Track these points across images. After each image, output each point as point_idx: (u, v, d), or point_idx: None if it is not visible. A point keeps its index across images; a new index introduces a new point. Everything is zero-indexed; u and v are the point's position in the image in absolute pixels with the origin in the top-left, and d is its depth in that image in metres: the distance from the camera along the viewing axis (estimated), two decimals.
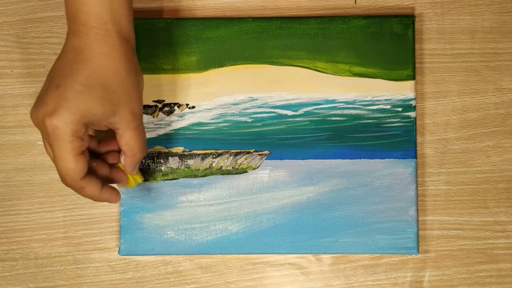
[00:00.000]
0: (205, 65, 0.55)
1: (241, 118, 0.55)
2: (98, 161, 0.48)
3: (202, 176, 0.55)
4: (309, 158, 0.55)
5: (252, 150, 0.55)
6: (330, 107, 0.55)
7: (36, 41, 0.57)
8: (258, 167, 0.55)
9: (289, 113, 0.55)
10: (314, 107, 0.55)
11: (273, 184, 0.55)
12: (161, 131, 0.55)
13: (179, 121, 0.55)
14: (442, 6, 0.57)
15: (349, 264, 0.56)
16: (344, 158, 0.55)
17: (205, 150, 0.55)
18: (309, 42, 0.55)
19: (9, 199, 0.57)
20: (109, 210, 0.57)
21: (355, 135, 0.55)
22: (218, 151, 0.55)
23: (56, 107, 0.43)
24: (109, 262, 0.56)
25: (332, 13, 0.57)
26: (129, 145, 0.47)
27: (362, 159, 0.55)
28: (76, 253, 0.56)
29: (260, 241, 0.54)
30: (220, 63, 0.55)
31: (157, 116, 0.55)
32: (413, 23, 0.55)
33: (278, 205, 0.55)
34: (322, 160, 0.55)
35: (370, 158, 0.55)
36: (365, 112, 0.55)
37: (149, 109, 0.55)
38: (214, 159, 0.55)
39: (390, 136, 0.55)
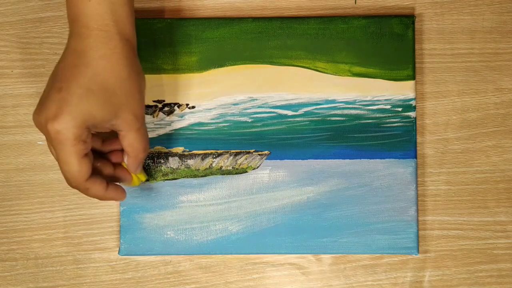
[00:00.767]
0: (205, 65, 0.55)
1: (241, 118, 0.55)
2: (102, 161, 0.49)
3: (202, 176, 0.55)
4: (309, 158, 0.55)
5: (252, 150, 0.55)
6: (330, 107, 0.55)
7: (36, 41, 0.57)
8: (258, 167, 0.55)
9: (289, 113, 0.55)
10: (314, 107, 0.55)
11: (273, 184, 0.55)
12: (161, 131, 0.55)
13: (179, 121, 0.55)
14: (442, 6, 0.57)
15: (349, 264, 0.56)
16: (344, 158, 0.55)
17: (205, 150, 0.55)
18: (309, 42, 0.55)
19: (9, 199, 0.57)
20: (109, 210, 0.57)
21: (355, 135, 0.55)
22: (218, 151, 0.55)
23: (58, 111, 0.43)
24: (109, 262, 0.56)
25: (332, 13, 0.57)
26: (131, 146, 0.47)
27: (362, 159, 0.55)
28: (76, 253, 0.56)
29: (260, 241, 0.54)
30: (220, 63, 0.55)
31: (157, 116, 0.55)
32: (413, 23, 0.55)
33: (278, 205, 0.55)
34: (322, 160, 0.55)
35: (370, 158, 0.55)
36: (365, 112, 0.55)
37: (149, 109, 0.55)
38: (214, 159, 0.55)
39: (390, 136, 0.55)
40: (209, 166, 0.55)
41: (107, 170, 0.49)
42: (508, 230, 0.56)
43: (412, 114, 0.55)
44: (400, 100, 0.55)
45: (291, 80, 0.55)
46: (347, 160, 0.55)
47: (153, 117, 0.55)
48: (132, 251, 0.55)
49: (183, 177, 0.55)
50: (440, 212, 0.56)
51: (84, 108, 0.43)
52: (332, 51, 0.55)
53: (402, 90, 0.55)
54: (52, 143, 0.44)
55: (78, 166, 0.44)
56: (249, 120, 0.55)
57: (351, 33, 0.55)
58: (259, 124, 0.55)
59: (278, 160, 0.55)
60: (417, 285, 0.56)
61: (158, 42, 0.55)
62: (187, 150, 0.55)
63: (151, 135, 0.55)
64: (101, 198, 0.47)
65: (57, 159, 0.44)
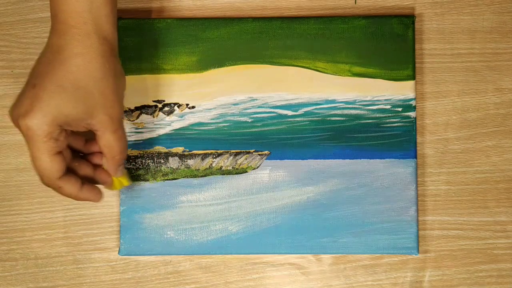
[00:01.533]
0: (205, 65, 0.55)
1: (241, 118, 0.55)
2: (81, 161, 0.48)
3: (202, 176, 0.55)
4: (309, 158, 0.55)
5: (252, 150, 0.55)
6: (330, 107, 0.55)
7: (36, 41, 0.57)
8: (258, 167, 0.55)
9: (289, 113, 0.55)
10: (314, 107, 0.55)
11: (273, 184, 0.55)
12: (161, 131, 0.55)
13: (179, 121, 0.55)
14: (442, 6, 0.57)
15: (349, 264, 0.56)
16: (344, 158, 0.55)
17: (205, 150, 0.55)
18: (309, 42, 0.55)
19: (9, 199, 0.57)
20: (109, 210, 0.57)
21: (355, 135, 0.55)
22: (218, 151, 0.55)
23: (29, 107, 0.43)
24: (109, 262, 0.56)
25: (332, 13, 0.57)
26: (107, 147, 0.47)
27: (362, 159, 0.55)
28: (76, 253, 0.56)
29: (260, 241, 0.54)
30: (220, 63, 0.55)
31: (157, 116, 0.55)
32: (413, 23, 0.55)
33: (278, 205, 0.55)
34: (322, 160, 0.55)
35: (370, 158, 0.55)
36: (365, 112, 0.55)
37: (149, 109, 0.55)
38: (214, 159, 0.55)
39: (390, 136, 0.55)
40: (209, 166, 0.55)
41: (85, 170, 0.48)
42: (508, 230, 0.56)
43: (412, 114, 0.55)
44: (400, 100, 0.55)
45: (291, 80, 0.55)
46: (347, 160, 0.55)
47: (153, 117, 0.55)
48: (132, 251, 0.55)
49: (183, 177, 0.55)
50: (440, 212, 0.56)
51: (55, 105, 0.43)
52: (332, 51, 0.55)
53: (402, 90, 0.55)
54: (25, 139, 0.44)
55: (49, 164, 0.44)
56: (249, 120, 0.55)
57: (351, 33, 0.55)
58: (259, 124, 0.55)
59: (278, 160, 0.55)
60: (417, 285, 0.56)
61: (158, 42, 0.55)
62: (187, 150, 0.55)
63: (151, 135, 0.55)
64: (74, 198, 0.47)
65: (30, 155, 0.44)
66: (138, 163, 0.55)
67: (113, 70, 0.46)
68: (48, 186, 0.46)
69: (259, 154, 0.55)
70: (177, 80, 0.55)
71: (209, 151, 0.55)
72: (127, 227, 0.55)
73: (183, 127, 0.55)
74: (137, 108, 0.55)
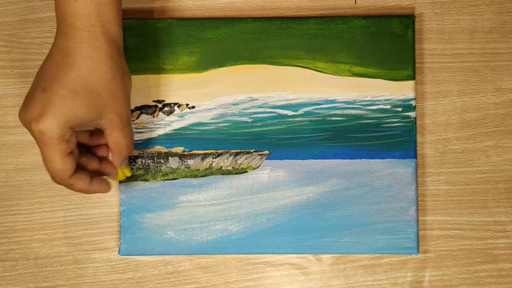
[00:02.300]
0: (205, 65, 0.55)
1: (241, 118, 0.55)
2: (87, 156, 0.49)
3: (202, 176, 0.55)
4: (309, 158, 0.55)
5: (252, 150, 0.55)
6: (330, 107, 0.55)
7: (36, 41, 0.57)
8: (258, 167, 0.55)
9: (289, 113, 0.55)
10: (314, 107, 0.55)
11: (273, 184, 0.55)
12: (161, 131, 0.55)
13: (179, 121, 0.55)
14: (442, 6, 0.57)
15: (349, 264, 0.56)
16: (344, 158, 0.55)
17: (205, 150, 0.55)
18: (309, 42, 0.55)
19: (9, 199, 0.57)
20: (109, 210, 0.57)
21: (355, 135, 0.55)
22: (218, 151, 0.55)
23: (42, 111, 0.43)
24: (109, 262, 0.56)
25: (332, 13, 0.57)
26: (116, 144, 0.48)
27: (362, 159, 0.55)
28: (76, 253, 0.56)
29: (260, 241, 0.54)
30: (220, 63, 0.55)
31: (157, 116, 0.55)
32: (413, 23, 0.55)
33: (278, 205, 0.55)
34: (322, 160, 0.55)
35: (370, 158, 0.55)
36: (365, 112, 0.55)
37: (149, 109, 0.55)
38: (214, 159, 0.55)
39: (390, 136, 0.55)
40: (209, 166, 0.55)
41: (93, 164, 0.50)
42: (508, 230, 0.56)
43: (412, 114, 0.55)
44: (400, 100, 0.55)
45: (291, 80, 0.55)
46: (347, 160, 0.55)
47: (153, 117, 0.55)
48: (132, 251, 0.55)
49: (183, 177, 0.55)
50: (440, 212, 0.56)
51: (68, 110, 0.44)
52: (332, 51, 0.55)
53: (402, 90, 0.55)
54: (37, 142, 0.45)
55: (62, 164, 0.45)
56: (249, 120, 0.55)
57: (351, 33, 0.55)
58: (259, 124, 0.55)
59: (278, 160, 0.55)
60: (417, 285, 0.56)
61: (158, 42, 0.55)
62: (187, 150, 0.55)
63: (151, 135, 0.55)
64: (85, 192, 0.48)
65: (42, 157, 0.45)
66: (138, 163, 0.55)
67: (121, 70, 0.47)
68: (61, 184, 0.47)
69: (259, 154, 0.55)
70: (177, 80, 0.55)
71: (209, 151, 0.55)
72: (127, 227, 0.55)
73: (183, 127, 0.55)
74: (137, 108, 0.55)
